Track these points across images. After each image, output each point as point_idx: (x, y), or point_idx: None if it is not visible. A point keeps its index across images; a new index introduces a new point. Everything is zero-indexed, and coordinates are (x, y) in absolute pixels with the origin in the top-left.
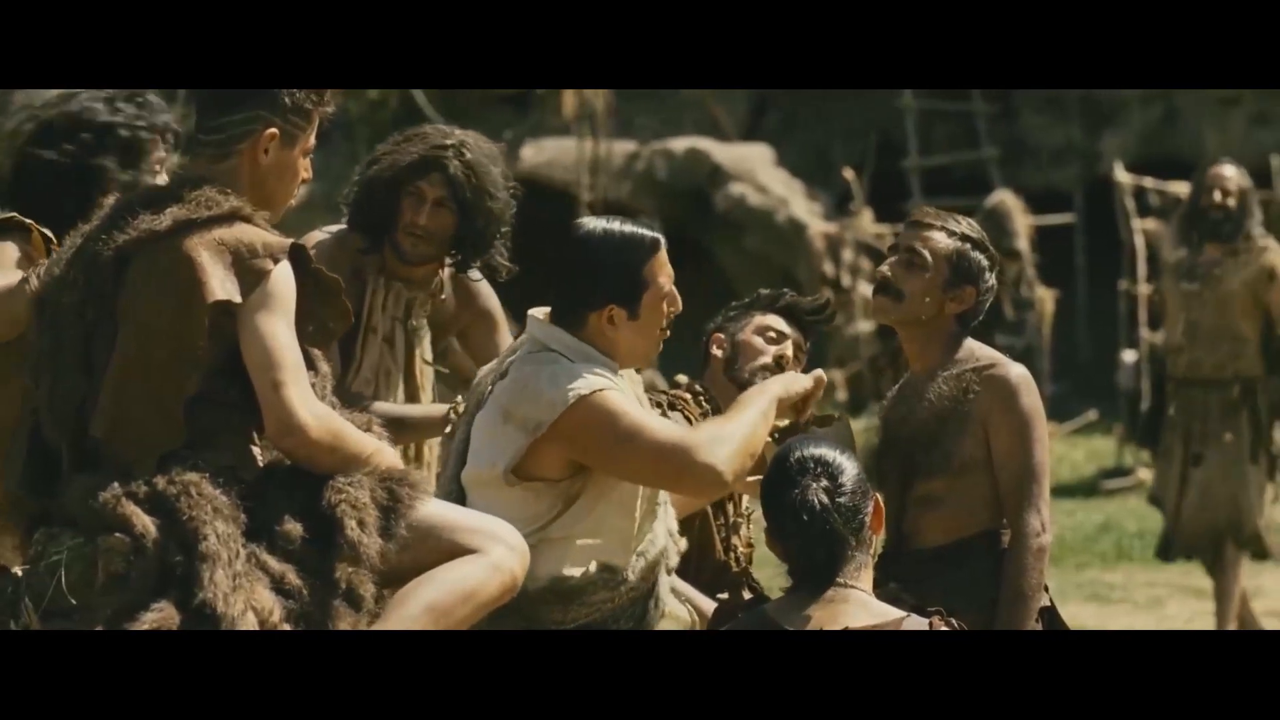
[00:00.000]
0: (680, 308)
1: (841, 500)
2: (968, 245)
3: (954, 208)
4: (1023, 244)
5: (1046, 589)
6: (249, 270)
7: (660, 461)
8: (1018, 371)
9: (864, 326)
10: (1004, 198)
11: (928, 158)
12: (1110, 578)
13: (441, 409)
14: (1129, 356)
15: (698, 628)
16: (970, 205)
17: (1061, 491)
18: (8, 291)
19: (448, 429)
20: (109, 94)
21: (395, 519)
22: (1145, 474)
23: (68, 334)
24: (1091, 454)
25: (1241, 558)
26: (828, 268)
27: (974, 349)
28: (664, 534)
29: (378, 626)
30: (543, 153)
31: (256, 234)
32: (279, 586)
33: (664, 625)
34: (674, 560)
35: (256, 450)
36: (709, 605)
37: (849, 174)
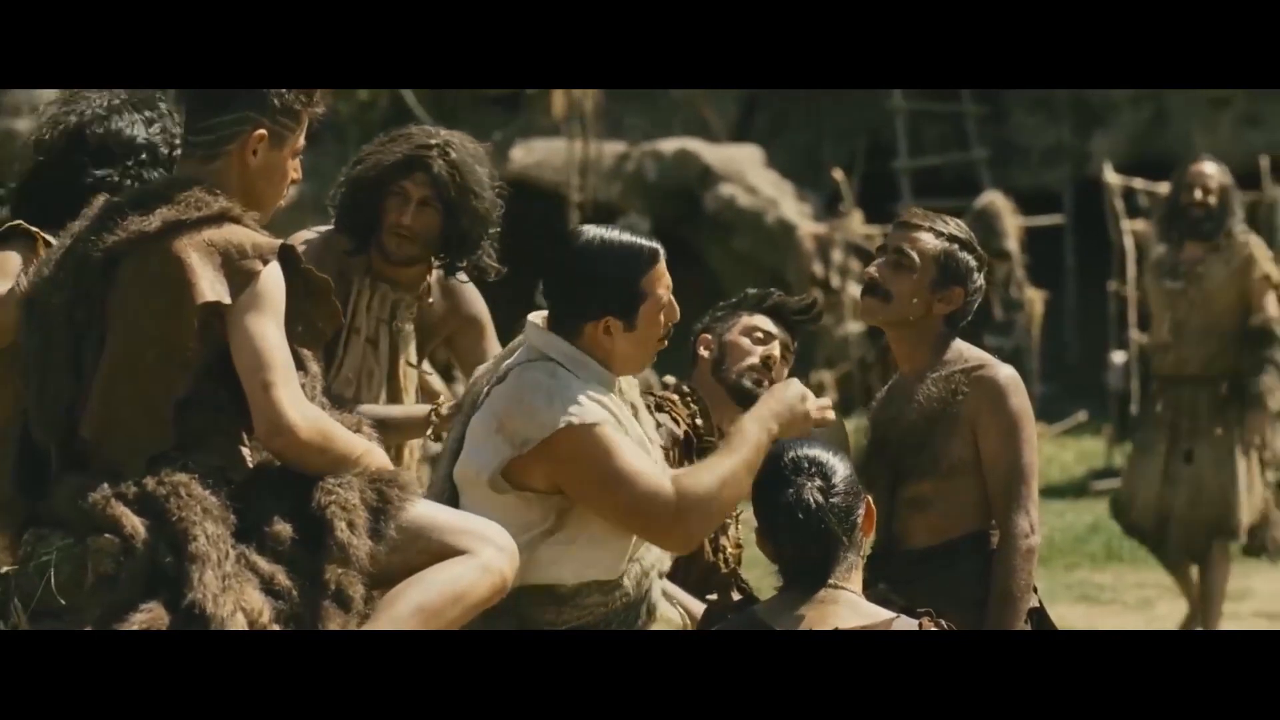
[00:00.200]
0: (678, 317)
1: (835, 500)
2: (955, 246)
3: (944, 209)
4: (1012, 245)
5: (1035, 590)
6: (238, 271)
7: (635, 515)
8: (1006, 373)
9: (853, 327)
10: (994, 199)
11: (917, 159)
12: (1100, 579)
13: (423, 410)
14: (1118, 357)
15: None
16: (960, 206)
17: (1051, 492)
18: (4, 298)
19: (429, 431)
20: (123, 100)
21: (385, 520)
22: None
23: (57, 335)
24: (1081, 455)
25: (1229, 560)
26: (817, 269)
27: (962, 350)
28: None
29: (367, 628)
30: (532, 153)
31: (246, 235)
32: (268, 587)
33: (655, 628)
34: (667, 565)
35: (246, 451)
36: (698, 607)
37: (838, 175)
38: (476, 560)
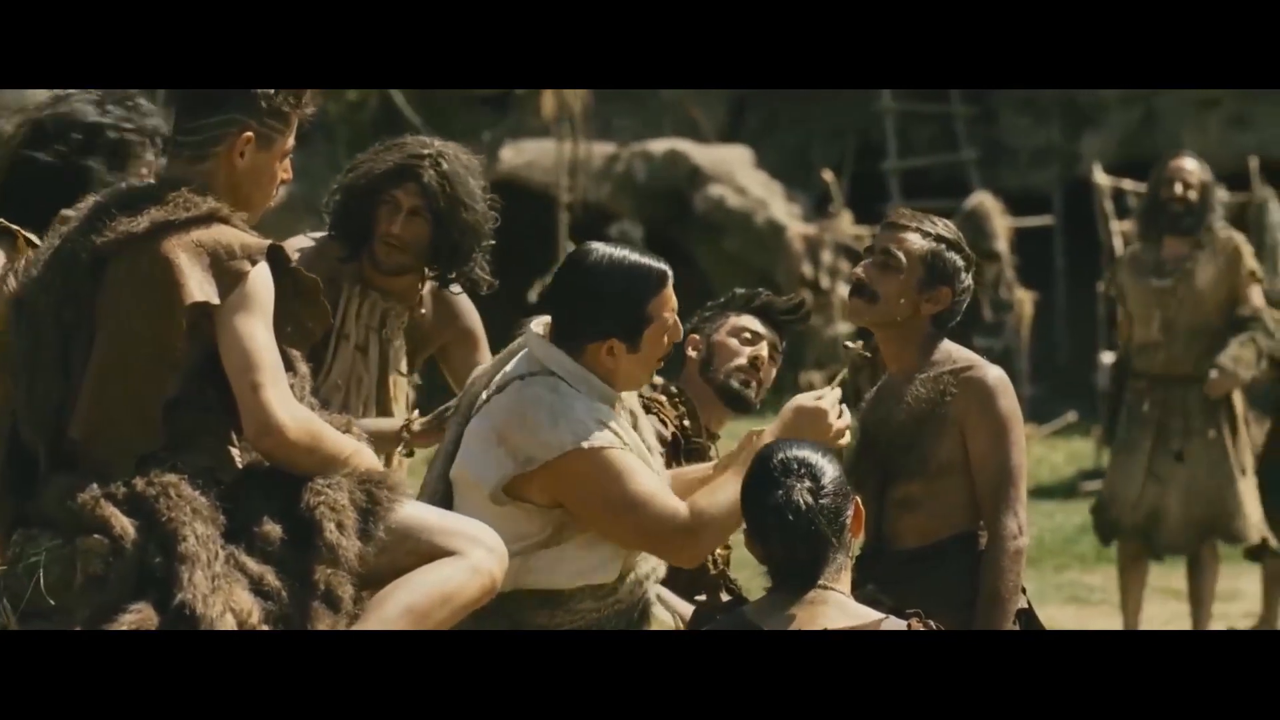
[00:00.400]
0: (681, 337)
1: (824, 501)
2: (942, 246)
3: (933, 209)
4: (1002, 246)
5: (1024, 591)
6: (227, 272)
7: (644, 538)
8: (995, 374)
9: (843, 328)
10: (983, 199)
11: (907, 159)
12: (1090, 579)
13: (395, 424)
14: (1108, 358)
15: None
16: (949, 207)
17: (1041, 493)
18: None
19: (400, 447)
20: (99, 95)
21: (374, 521)
22: None
23: (45, 335)
24: (1071, 456)
25: (1217, 560)
26: (807, 269)
27: (951, 351)
28: None
29: (356, 629)
30: (522, 154)
31: (234, 235)
32: (258, 588)
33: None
34: (662, 573)
35: (235, 452)
36: (687, 609)
37: (828, 176)
38: (466, 562)
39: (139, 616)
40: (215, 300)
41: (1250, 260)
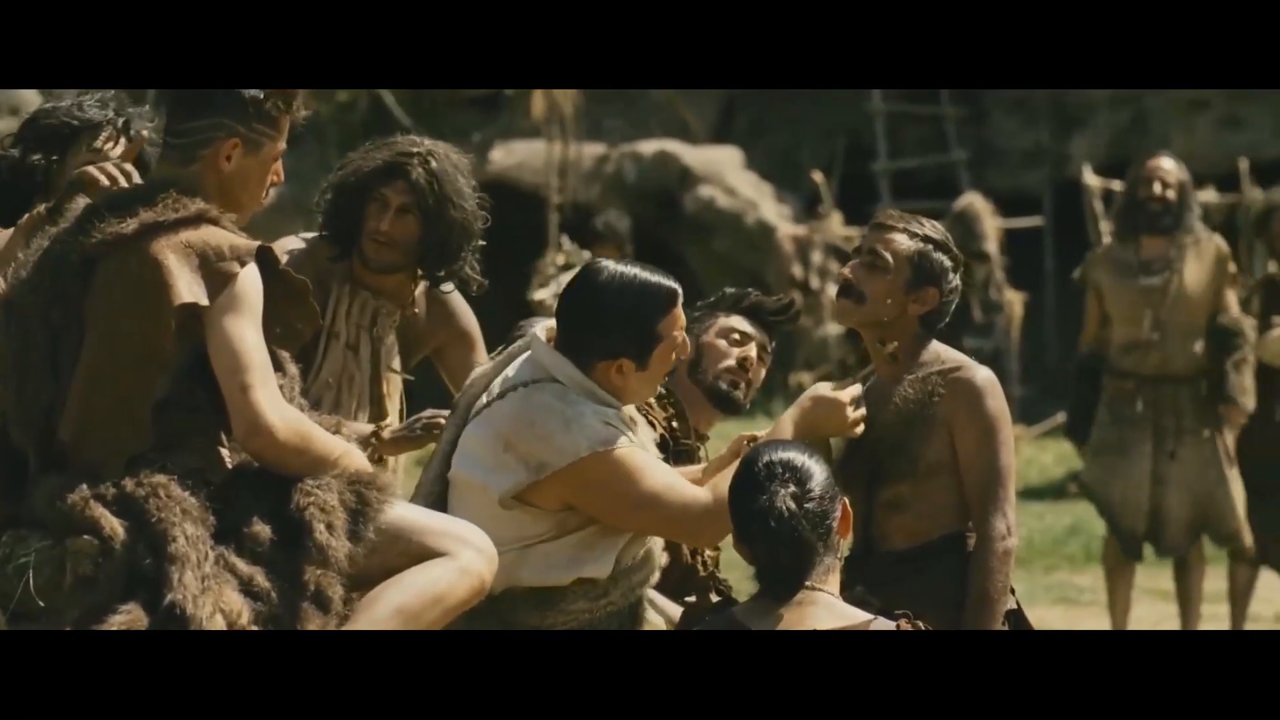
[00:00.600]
0: (688, 353)
1: (809, 506)
2: (930, 246)
3: (923, 210)
4: (991, 247)
5: (1013, 592)
6: (216, 273)
7: (669, 528)
8: (983, 374)
9: (833, 329)
10: (973, 200)
11: (896, 160)
12: (1079, 580)
13: (365, 430)
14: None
15: None
16: (939, 208)
17: (1030, 494)
18: None
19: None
20: (79, 95)
21: (364, 522)
22: None
23: (34, 336)
24: (1060, 456)
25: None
26: (796, 270)
27: (939, 352)
28: (648, 552)
29: (346, 629)
30: (512, 155)
31: (223, 236)
32: (247, 588)
33: None
34: (655, 579)
35: (225, 452)
36: (676, 611)
37: (818, 177)
38: (455, 562)
39: (129, 617)
40: (204, 301)
41: (1232, 263)
